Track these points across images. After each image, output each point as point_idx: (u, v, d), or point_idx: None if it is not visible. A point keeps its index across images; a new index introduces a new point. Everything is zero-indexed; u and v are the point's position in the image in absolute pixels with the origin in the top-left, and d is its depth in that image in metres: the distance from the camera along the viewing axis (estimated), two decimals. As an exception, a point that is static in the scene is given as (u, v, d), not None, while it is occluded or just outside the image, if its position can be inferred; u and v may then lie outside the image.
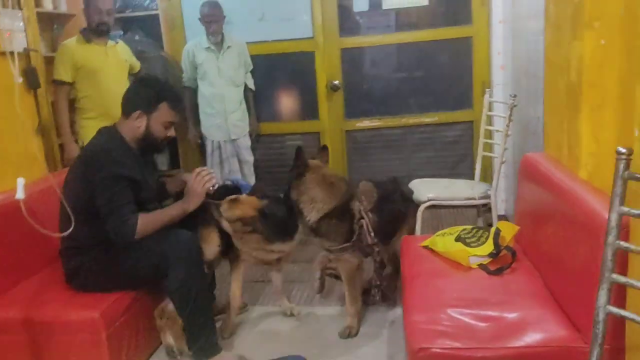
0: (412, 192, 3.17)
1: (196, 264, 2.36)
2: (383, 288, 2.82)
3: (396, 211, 2.86)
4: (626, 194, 1.34)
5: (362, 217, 2.61)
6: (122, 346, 2.35)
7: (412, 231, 3.05)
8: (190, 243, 2.36)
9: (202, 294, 2.37)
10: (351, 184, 2.78)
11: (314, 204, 2.57)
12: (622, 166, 1.26)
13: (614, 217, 1.28)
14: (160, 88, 2.47)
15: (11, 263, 2.48)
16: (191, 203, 2.45)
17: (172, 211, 2.44)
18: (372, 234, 2.61)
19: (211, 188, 2.49)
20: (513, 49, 3.80)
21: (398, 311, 2.87)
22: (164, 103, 2.42)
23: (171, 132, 2.50)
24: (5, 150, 2.70)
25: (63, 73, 3.38)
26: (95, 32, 3.47)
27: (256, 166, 4.40)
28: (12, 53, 1.95)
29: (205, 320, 2.39)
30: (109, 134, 2.44)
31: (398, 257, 2.81)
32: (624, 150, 1.27)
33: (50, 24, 4.22)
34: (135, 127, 2.41)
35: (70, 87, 3.42)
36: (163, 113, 2.43)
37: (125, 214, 2.28)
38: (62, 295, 2.38)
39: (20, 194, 1.73)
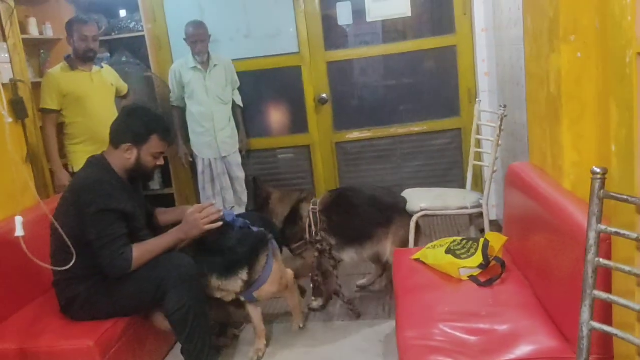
0: (399, 203, 3.16)
1: (194, 285, 2.37)
2: (318, 284, 3.07)
3: (360, 214, 3.03)
4: (604, 210, 1.36)
5: (309, 217, 3.01)
6: (119, 372, 2.35)
7: (404, 243, 3.06)
8: (188, 265, 2.37)
9: (201, 317, 2.38)
10: (307, 194, 3.22)
11: (275, 216, 3.10)
12: (597, 185, 1.29)
13: (592, 236, 1.30)
14: (149, 120, 2.47)
15: (5, 294, 2.48)
16: (189, 234, 2.44)
17: (167, 239, 2.44)
18: (314, 230, 2.98)
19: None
20: (497, 57, 3.84)
21: (393, 324, 2.88)
22: (155, 135, 2.44)
23: (160, 161, 2.52)
24: (-4, 181, 2.71)
25: (49, 101, 3.39)
26: (82, 59, 3.48)
27: (248, 182, 4.42)
28: (4, 85, 1.95)
29: (204, 343, 2.39)
30: (98, 164, 2.45)
31: (385, 265, 3.15)
32: (598, 170, 1.29)
33: (37, 50, 4.25)
34: (125, 158, 2.42)
35: (58, 114, 3.44)
36: (153, 145, 2.44)
37: (119, 247, 2.28)
38: (57, 325, 2.39)
39: (19, 232, 1.75)
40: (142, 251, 2.34)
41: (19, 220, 1.80)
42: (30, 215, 2.50)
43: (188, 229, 2.44)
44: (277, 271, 2.66)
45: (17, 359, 2.27)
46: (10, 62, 2.99)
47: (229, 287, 2.51)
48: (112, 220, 2.29)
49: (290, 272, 2.84)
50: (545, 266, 2.05)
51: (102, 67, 3.68)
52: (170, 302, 2.32)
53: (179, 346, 2.49)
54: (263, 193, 3.20)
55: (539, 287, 2.12)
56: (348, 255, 3.07)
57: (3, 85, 2.06)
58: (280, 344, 2.84)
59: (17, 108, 2.99)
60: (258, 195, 3.17)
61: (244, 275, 2.49)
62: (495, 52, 3.85)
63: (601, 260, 1.31)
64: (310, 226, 3.00)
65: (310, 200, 3.10)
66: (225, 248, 2.48)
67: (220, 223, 2.47)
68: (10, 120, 1.78)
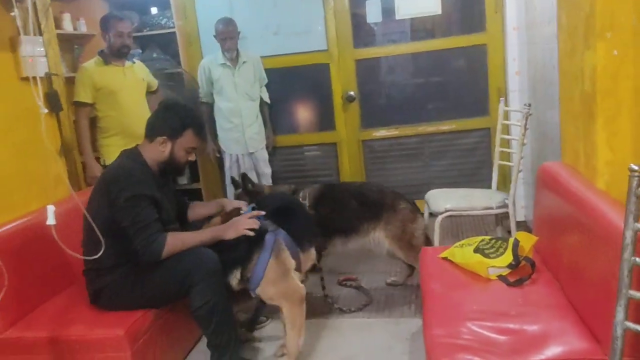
0: (385, 198, 3.14)
1: (219, 280, 2.38)
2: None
3: (345, 208, 3.10)
4: (642, 209, 1.33)
5: None
6: (148, 361, 2.39)
7: (398, 237, 3.06)
8: (214, 262, 2.38)
9: (225, 311, 2.40)
10: (295, 187, 3.26)
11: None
12: (635, 183, 1.26)
13: (628, 235, 1.27)
14: (186, 115, 2.51)
15: (37, 283, 2.53)
16: (227, 234, 2.44)
17: (204, 235, 2.46)
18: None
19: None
20: (528, 55, 3.79)
21: (419, 322, 2.87)
22: (189, 130, 2.47)
23: (192, 157, 2.55)
24: (30, 173, 2.78)
25: (83, 95, 3.46)
26: (116, 54, 3.55)
27: (274, 178, 4.44)
28: (34, 78, 2.00)
29: (229, 337, 2.41)
30: (130, 156, 2.49)
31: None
32: (636, 168, 1.26)
33: (71, 45, 4.34)
34: (159, 151, 2.46)
35: (91, 108, 3.51)
36: (187, 139, 2.48)
37: (153, 233, 2.31)
38: (87, 314, 2.42)
39: (51, 220, 1.78)
40: (176, 240, 2.36)
41: (50, 209, 1.83)
42: (62, 206, 2.56)
43: (228, 230, 2.45)
44: (272, 269, 2.47)
45: (47, 347, 2.31)
46: (46, 56, 3.04)
47: (230, 283, 2.50)
48: (144, 206, 2.32)
49: (298, 285, 2.55)
50: (577, 267, 2.01)
51: (134, 63, 3.74)
52: (195, 297, 2.33)
53: (204, 338, 2.53)
54: (255, 189, 3.18)
55: (570, 288, 2.09)
56: (333, 246, 3.13)
57: (40, 79, 2.10)
58: (304, 339, 2.84)
59: (52, 101, 3.04)
60: (250, 191, 3.11)
61: (237, 273, 2.48)
62: (527, 51, 3.80)
63: (637, 259, 1.28)
64: None
65: (299, 194, 3.16)
66: (223, 246, 2.46)
67: (253, 229, 2.46)
68: (46, 111, 1.82)
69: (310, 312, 3.07)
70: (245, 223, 2.44)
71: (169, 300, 2.49)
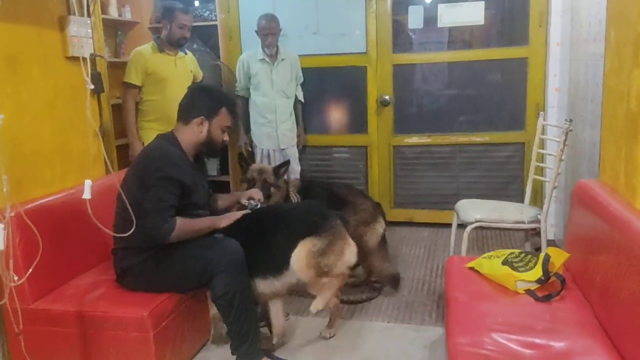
0: (351, 194, 3.39)
1: (241, 271, 2.41)
2: None
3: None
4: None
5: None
6: (167, 345, 2.41)
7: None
8: (236, 251, 2.41)
9: (246, 301, 2.42)
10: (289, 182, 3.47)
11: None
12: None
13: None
14: (219, 93, 2.61)
15: (68, 258, 2.58)
16: (222, 223, 2.55)
17: (204, 222, 2.52)
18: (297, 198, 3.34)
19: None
20: (570, 72, 3.74)
21: (439, 331, 2.85)
22: (224, 108, 2.54)
23: (227, 137, 2.60)
24: (69, 151, 2.84)
25: (134, 77, 3.55)
26: (174, 44, 3.63)
27: (302, 176, 4.46)
28: (84, 59, 2.04)
29: (248, 327, 2.42)
30: (167, 139, 2.53)
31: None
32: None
33: (114, 31, 4.41)
34: (197, 132, 2.51)
35: (138, 90, 3.60)
36: (223, 117, 2.54)
37: (167, 216, 2.35)
38: (114, 292, 2.46)
39: (87, 194, 1.81)
40: (184, 225, 2.40)
41: (88, 183, 1.86)
42: (97, 185, 2.58)
43: (223, 219, 2.57)
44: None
45: (72, 321, 2.35)
46: (92, 37, 3.10)
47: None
48: (171, 190, 2.36)
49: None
50: (610, 287, 1.98)
51: (185, 54, 3.81)
52: (217, 286, 2.36)
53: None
54: (247, 172, 3.22)
55: (601, 308, 2.05)
56: None
57: (83, 59, 2.17)
58: (322, 340, 2.84)
59: (95, 82, 3.09)
60: (244, 171, 3.25)
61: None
62: (569, 67, 3.74)
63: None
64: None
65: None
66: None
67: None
68: (92, 87, 1.85)
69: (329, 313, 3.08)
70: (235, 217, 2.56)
71: (191, 287, 2.51)
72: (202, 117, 2.50)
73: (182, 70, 3.73)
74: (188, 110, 2.53)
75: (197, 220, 2.51)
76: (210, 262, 2.36)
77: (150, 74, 3.58)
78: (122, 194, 2.17)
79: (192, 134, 2.52)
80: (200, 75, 3.98)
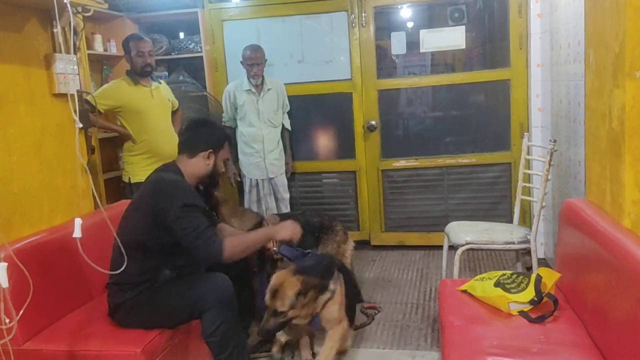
0: (324, 222, 3.44)
1: (230, 307, 2.37)
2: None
3: None
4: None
5: None
6: (162, 381, 2.38)
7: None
8: (226, 288, 2.38)
9: (237, 337, 2.38)
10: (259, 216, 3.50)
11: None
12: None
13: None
14: (221, 129, 2.79)
15: (58, 296, 2.54)
16: (280, 233, 2.60)
17: (257, 235, 2.61)
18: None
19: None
20: (552, 92, 3.81)
21: (435, 355, 2.84)
22: (226, 142, 2.68)
23: (224, 168, 2.71)
24: (57, 188, 2.82)
25: (99, 103, 3.41)
26: (140, 73, 3.63)
27: (292, 203, 4.46)
28: (71, 96, 2.06)
29: None
30: (172, 169, 2.55)
31: None
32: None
33: (100, 66, 4.44)
34: (204, 165, 2.57)
35: (95, 115, 3.39)
36: (225, 151, 2.67)
37: (212, 236, 2.35)
38: (106, 330, 2.42)
39: (77, 233, 1.81)
40: (234, 241, 2.45)
41: (78, 222, 1.86)
42: (86, 221, 2.59)
43: (282, 230, 2.61)
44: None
45: (65, 361, 2.32)
46: (77, 74, 3.11)
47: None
48: (198, 214, 2.37)
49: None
50: (602, 306, 1.99)
51: (160, 83, 3.82)
52: (206, 323, 2.34)
53: None
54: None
55: (594, 328, 2.06)
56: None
57: (71, 97, 2.18)
58: None
59: (82, 118, 3.09)
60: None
61: None
62: (551, 88, 3.81)
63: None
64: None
65: (265, 223, 3.22)
66: None
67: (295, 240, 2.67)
68: (81, 125, 1.86)
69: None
70: (297, 229, 2.61)
71: (182, 321, 2.49)
72: (209, 150, 2.56)
73: (159, 101, 3.73)
74: (194, 143, 2.57)
75: (247, 234, 2.62)
76: (198, 299, 2.34)
77: (121, 105, 3.55)
78: (113, 231, 2.15)
79: (197, 167, 2.56)
80: (176, 103, 3.98)
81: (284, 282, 2.43)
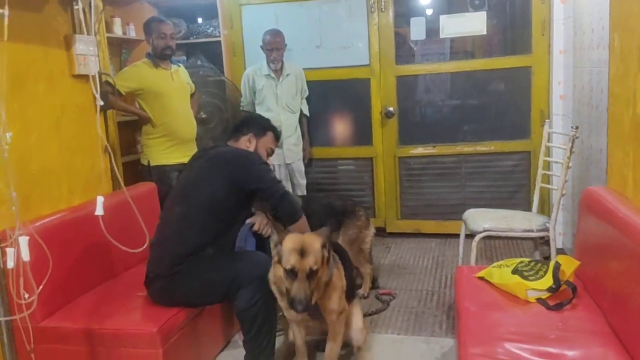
0: (347, 206, 3.48)
1: (267, 286, 2.36)
2: None
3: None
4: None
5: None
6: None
7: (352, 240, 3.39)
8: (264, 265, 2.38)
9: (269, 316, 2.42)
10: None
11: None
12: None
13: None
14: (267, 121, 2.92)
15: (76, 275, 2.57)
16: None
17: None
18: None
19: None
20: (574, 79, 3.74)
21: (450, 342, 2.82)
22: (270, 132, 2.84)
23: (269, 159, 2.83)
24: (76, 169, 2.84)
25: (120, 84, 3.42)
26: (160, 56, 3.63)
27: (309, 190, 4.46)
28: (91, 76, 2.07)
29: (267, 342, 2.43)
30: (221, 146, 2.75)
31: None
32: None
33: (119, 49, 4.45)
34: (245, 146, 2.73)
35: (115, 97, 3.39)
36: (269, 140, 2.82)
37: (287, 192, 2.56)
38: (123, 309, 2.45)
39: (99, 211, 1.82)
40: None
41: (100, 200, 1.87)
42: (105, 202, 2.61)
43: None
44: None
45: (82, 339, 2.34)
46: (97, 55, 3.12)
47: None
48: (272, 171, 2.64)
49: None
50: (622, 294, 1.96)
51: (179, 67, 3.82)
52: (242, 299, 2.36)
53: (233, 341, 2.50)
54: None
55: (613, 316, 2.03)
56: None
57: (92, 77, 2.20)
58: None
59: (102, 100, 3.10)
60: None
61: None
62: (573, 74, 3.74)
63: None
64: None
65: None
66: None
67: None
68: (102, 103, 1.87)
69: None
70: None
71: (214, 299, 2.54)
72: (251, 134, 2.75)
73: (179, 84, 3.73)
74: (239, 129, 2.80)
75: None
76: (238, 275, 2.38)
77: (142, 88, 3.55)
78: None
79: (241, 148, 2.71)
80: (193, 87, 3.97)
81: (305, 239, 2.21)
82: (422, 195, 4.59)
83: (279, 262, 2.20)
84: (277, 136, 2.89)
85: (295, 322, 2.50)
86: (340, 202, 3.51)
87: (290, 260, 2.14)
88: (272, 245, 2.28)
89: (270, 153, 2.85)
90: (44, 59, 2.67)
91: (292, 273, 2.14)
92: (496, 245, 4.24)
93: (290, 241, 2.20)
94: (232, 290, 2.39)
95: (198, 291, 2.45)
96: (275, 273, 2.25)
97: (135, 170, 4.04)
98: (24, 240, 1.61)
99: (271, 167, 2.70)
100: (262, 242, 2.66)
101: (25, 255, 1.60)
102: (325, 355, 2.50)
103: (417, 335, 2.95)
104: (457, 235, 3.50)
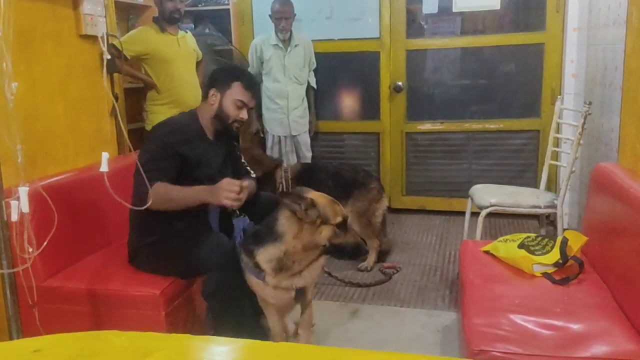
0: (358, 177, 3.50)
1: (232, 271, 2.26)
2: None
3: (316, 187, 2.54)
4: None
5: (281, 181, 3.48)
6: (179, 325, 2.40)
7: (362, 212, 3.43)
8: (227, 248, 2.29)
9: (237, 303, 2.30)
10: (279, 161, 3.83)
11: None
12: None
13: None
14: (234, 69, 2.65)
15: (80, 237, 2.57)
16: (209, 199, 2.26)
17: (190, 192, 2.27)
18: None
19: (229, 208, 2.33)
20: (587, 57, 3.68)
21: (452, 316, 2.82)
22: (238, 82, 2.44)
23: (243, 114, 2.47)
24: (82, 130, 2.82)
25: (128, 48, 3.41)
26: (168, 20, 3.57)
27: (314, 163, 4.43)
28: (100, 38, 2.03)
29: (239, 330, 2.29)
30: (187, 114, 2.53)
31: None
32: None
33: (127, 14, 4.39)
34: (209, 105, 2.46)
35: (121, 61, 3.37)
36: (236, 91, 2.43)
37: (154, 179, 2.17)
38: (126, 272, 2.44)
39: (104, 167, 1.79)
40: (160, 188, 2.20)
41: (105, 156, 1.84)
42: (110, 165, 2.59)
43: (211, 195, 2.24)
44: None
45: (85, 299, 2.34)
46: (105, 16, 3.08)
47: None
48: (166, 156, 2.28)
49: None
50: (630, 270, 1.94)
51: (186, 33, 3.77)
52: (207, 284, 2.29)
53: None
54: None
55: (620, 291, 2.01)
56: None
57: (100, 38, 2.16)
58: (335, 323, 2.82)
59: (108, 62, 3.08)
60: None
61: None
62: (587, 52, 3.68)
63: None
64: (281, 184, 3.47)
65: (282, 167, 3.59)
66: None
67: (238, 204, 2.26)
68: (109, 57, 1.83)
69: (342, 296, 3.08)
70: (224, 194, 2.19)
71: (191, 276, 2.45)
72: (213, 89, 2.45)
73: (185, 51, 3.68)
74: (205, 85, 2.55)
75: (176, 187, 2.26)
76: (200, 259, 2.26)
77: (148, 53, 3.51)
78: (140, 167, 2.05)
79: (207, 108, 2.47)
80: (199, 54, 3.90)
81: (320, 196, 2.13)
82: (428, 172, 4.57)
83: (323, 223, 2.05)
84: (248, 85, 2.48)
85: (278, 309, 2.34)
86: (350, 173, 3.50)
87: (338, 212, 2.08)
88: (301, 211, 2.04)
89: (242, 106, 2.44)
90: (52, 17, 2.63)
91: (342, 226, 2.07)
92: (502, 224, 4.22)
93: (322, 197, 2.11)
94: (199, 273, 2.33)
95: (173, 268, 2.37)
96: (324, 236, 2.05)
97: (140, 138, 4.01)
98: (23, 191, 1.59)
99: (268, 138, 2.35)
100: (226, 221, 2.48)
101: (25, 207, 1.58)
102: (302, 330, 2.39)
103: (419, 308, 2.96)
104: (462, 213, 3.48)
